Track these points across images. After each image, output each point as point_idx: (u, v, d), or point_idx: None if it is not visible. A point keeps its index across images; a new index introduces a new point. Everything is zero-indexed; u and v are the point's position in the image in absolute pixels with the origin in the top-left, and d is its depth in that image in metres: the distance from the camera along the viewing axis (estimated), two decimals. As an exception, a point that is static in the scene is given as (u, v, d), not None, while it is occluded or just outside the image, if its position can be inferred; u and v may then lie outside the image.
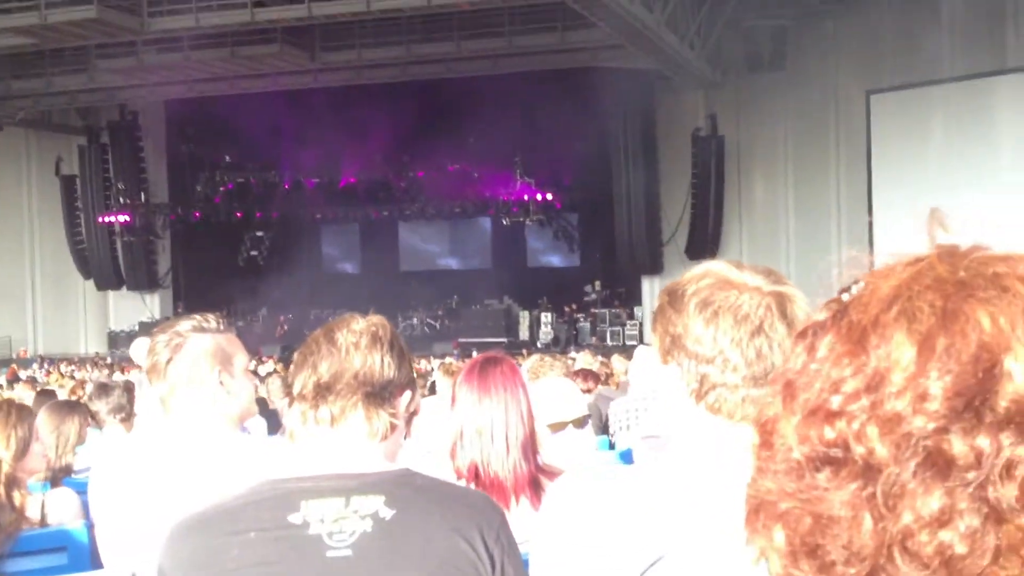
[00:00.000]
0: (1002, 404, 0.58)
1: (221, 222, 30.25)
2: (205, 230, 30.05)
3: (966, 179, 21.19)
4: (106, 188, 29.17)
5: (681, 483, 1.44)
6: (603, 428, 6.37)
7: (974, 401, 0.59)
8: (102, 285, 30.11)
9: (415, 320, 28.71)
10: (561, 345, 24.84)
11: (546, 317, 26.59)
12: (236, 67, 24.44)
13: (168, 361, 2.40)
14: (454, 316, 28.47)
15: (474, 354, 3.11)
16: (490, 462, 2.78)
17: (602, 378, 8.81)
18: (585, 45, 23.12)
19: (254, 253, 31.08)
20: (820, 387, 0.63)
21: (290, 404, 1.81)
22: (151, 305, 29.77)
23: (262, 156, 29.24)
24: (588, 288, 27.41)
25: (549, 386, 3.57)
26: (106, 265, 29.72)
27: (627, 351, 11.70)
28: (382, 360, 1.80)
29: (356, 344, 1.80)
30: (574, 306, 27.23)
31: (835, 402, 0.62)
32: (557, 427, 3.38)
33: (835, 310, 0.67)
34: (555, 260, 30.54)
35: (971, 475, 0.58)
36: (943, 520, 0.58)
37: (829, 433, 0.62)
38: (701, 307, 1.45)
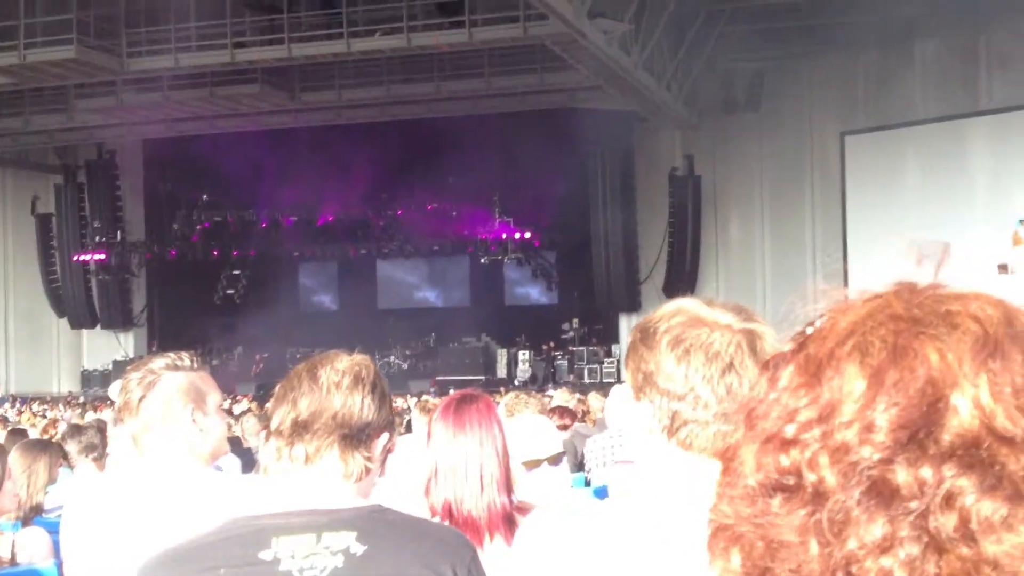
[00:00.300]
0: (945, 437, 0.60)
1: (198, 260, 30.15)
2: (181, 268, 29.92)
3: (940, 220, 21.43)
4: (82, 227, 29.04)
5: (653, 519, 1.45)
6: (579, 465, 6.37)
7: (919, 433, 0.61)
8: (76, 324, 29.87)
9: (393, 358, 28.62)
10: (539, 383, 24.82)
11: (524, 355, 26.59)
12: (215, 107, 24.48)
13: (141, 399, 2.40)
14: (432, 354, 28.42)
15: (451, 392, 3.11)
16: (463, 500, 2.78)
17: (579, 415, 8.82)
18: (564, 86, 23.36)
19: (231, 291, 30.94)
20: (777, 416, 0.65)
21: (266, 438, 1.80)
22: (125, 344, 29.54)
23: (240, 194, 29.21)
24: (566, 326, 27.45)
25: (524, 423, 3.58)
26: (80, 303, 29.50)
27: (604, 389, 11.72)
28: (362, 402, 1.80)
29: (338, 384, 1.79)
30: (552, 344, 27.25)
31: (789, 431, 0.64)
32: (532, 464, 3.38)
33: (797, 343, 0.70)
34: (533, 298, 30.60)
35: (913, 504, 0.59)
36: (885, 547, 0.60)
37: (784, 460, 0.64)
38: (672, 345, 1.47)
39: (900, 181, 23.29)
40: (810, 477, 0.62)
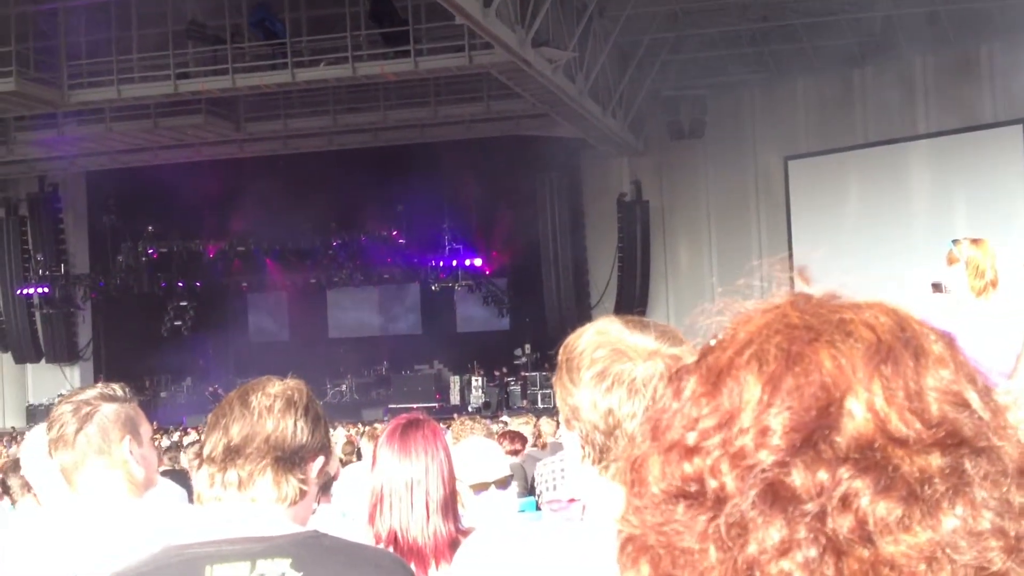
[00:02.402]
0: (840, 441, 0.61)
1: (144, 292, 29.70)
2: (127, 301, 29.44)
3: (882, 240, 21.85)
4: (24, 260, 28.50)
5: (585, 544, 1.46)
6: (530, 489, 6.36)
7: (813, 437, 0.62)
8: (20, 358, 29.26)
9: (344, 387, 28.40)
10: (492, 409, 24.76)
11: (477, 381, 26.51)
12: (159, 138, 24.24)
13: (78, 431, 2.36)
14: (384, 382, 28.24)
15: (419, 416, 3.08)
16: (409, 527, 2.76)
17: (530, 440, 8.81)
18: (511, 114, 23.50)
19: (178, 323, 30.53)
20: (680, 425, 0.66)
21: (199, 466, 1.78)
22: (71, 377, 28.95)
23: (186, 225, 28.91)
24: (518, 351, 27.42)
25: (471, 447, 3.58)
26: (24, 337, 28.91)
27: (557, 413, 11.72)
28: (295, 425, 1.78)
29: (270, 408, 1.78)
30: (505, 370, 27.20)
31: (691, 439, 0.65)
32: (479, 487, 3.37)
33: (700, 354, 0.71)
34: (485, 324, 30.56)
35: (809, 507, 0.60)
36: (783, 550, 0.60)
37: (687, 468, 0.64)
38: (596, 380, 1.47)
39: (843, 204, 23.71)
40: (711, 484, 0.63)
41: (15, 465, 5.74)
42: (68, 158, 25.98)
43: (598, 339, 1.50)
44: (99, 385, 2.46)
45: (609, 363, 1.47)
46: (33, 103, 20.65)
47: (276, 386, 1.83)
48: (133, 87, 20.75)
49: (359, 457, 7.84)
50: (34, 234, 28.55)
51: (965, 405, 0.64)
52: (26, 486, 5.34)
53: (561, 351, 1.54)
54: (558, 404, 1.55)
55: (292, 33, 20.06)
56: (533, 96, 19.95)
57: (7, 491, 5.18)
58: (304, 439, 1.79)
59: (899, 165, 23.13)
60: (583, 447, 1.49)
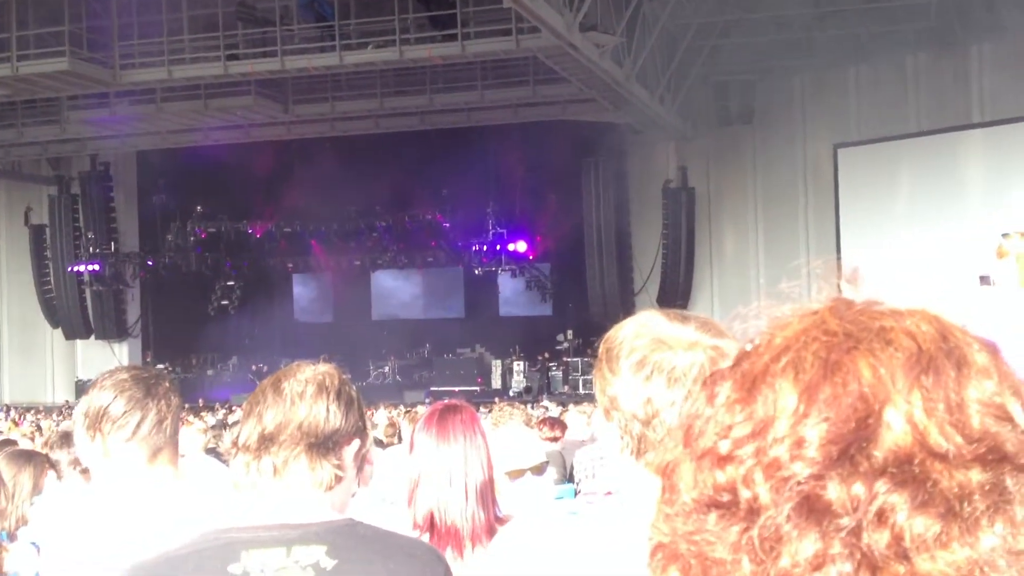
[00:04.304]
0: (878, 453, 0.60)
1: (192, 271, 30.11)
2: (175, 279, 29.88)
3: (932, 231, 21.51)
4: (76, 237, 29.01)
5: (626, 535, 1.46)
6: (569, 476, 6.36)
7: (850, 449, 0.60)
8: (70, 334, 29.81)
9: (387, 369, 28.60)
10: (534, 394, 24.80)
11: (518, 366, 26.55)
12: (209, 118, 24.49)
13: (126, 412, 2.38)
14: (426, 365, 28.40)
15: (456, 401, 3.10)
16: (447, 510, 2.77)
17: (584, 428, 8.80)
18: (557, 98, 23.41)
19: (225, 302, 30.93)
20: (713, 432, 0.65)
21: (235, 455, 1.80)
22: (120, 354, 29.45)
23: (234, 206, 29.24)
24: (560, 337, 27.42)
25: (507, 434, 3.58)
26: (75, 314, 29.45)
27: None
28: (328, 409, 1.79)
29: (301, 394, 1.79)
30: (546, 355, 27.22)
31: (724, 447, 0.64)
32: (515, 474, 3.38)
33: (735, 359, 0.70)
34: (527, 309, 30.58)
35: (845, 521, 0.59)
36: (817, 564, 0.59)
37: (720, 477, 0.63)
38: (635, 369, 1.46)
39: (893, 194, 23.34)
40: (745, 494, 0.62)
41: (62, 440, 5.83)
42: (119, 137, 26.35)
43: (638, 329, 1.50)
44: (138, 365, 2.49)
45: (649, 352, 1.46)
46: (85, 83, 20.95)
47: (307, 371, 1.84)
48: (184, 68, 20.98)
49: (400, 439, 7.88)
50: (85, 212, 29.03)
51: (1008, 419, 0.62)
52: (75, 462, 5.42)
53: (602, 343, 1.53)
54: (597, 395, 1.54)
55: (340, 16, 20.12)
56: (580, 81, 19.85)
57: (53, 466, 5.27)
58: (337, 423, 1.80)
59: (952, 155, 22.71)
60: (621, 437, 1.48)
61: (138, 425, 2.34)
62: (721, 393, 0.67)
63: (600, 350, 1.53)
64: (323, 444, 1.78)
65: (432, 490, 2.79)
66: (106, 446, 2.37)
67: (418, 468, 2.83)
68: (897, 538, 0.59)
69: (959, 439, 0.60)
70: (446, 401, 3.04)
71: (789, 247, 25.09)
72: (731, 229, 26.22)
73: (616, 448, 1.50)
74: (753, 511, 0.61)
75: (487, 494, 2.82)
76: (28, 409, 24.86)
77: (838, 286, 0.73)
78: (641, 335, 1.48)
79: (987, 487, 0.59)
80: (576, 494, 5.66)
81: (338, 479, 1.79)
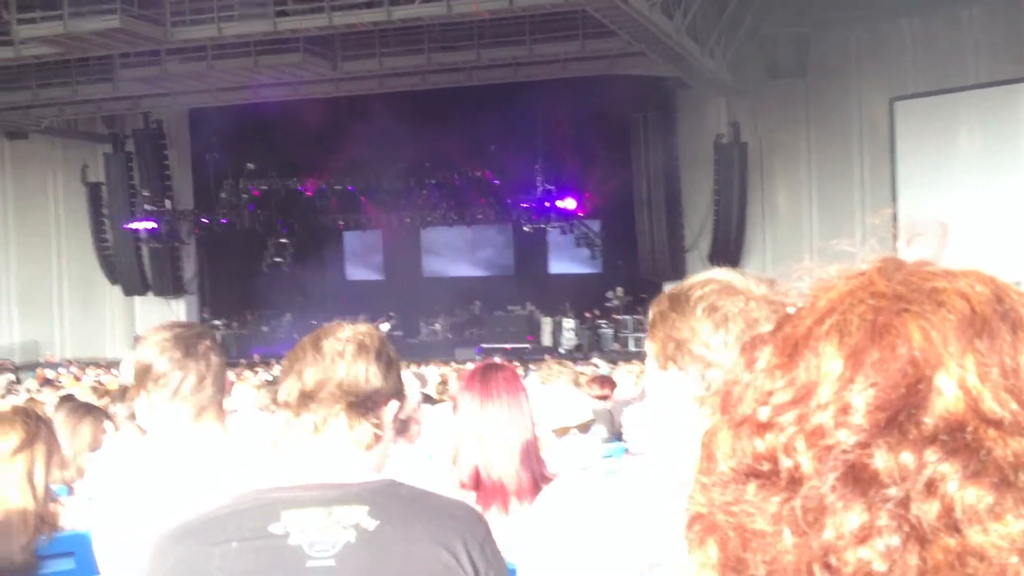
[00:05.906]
0: (928, 421, 0.57)
1: (245, 228, 30.50)
2: (229, 236, 30.29)
3: (992, 185, 21.03)
4: (131, 195, 29.48)
5: (679, 488, 1.43)
6: (619, 434, 6.36)
7: (899, 416, 0.57)
8: (128, 290, 30.42)
9: (438, 326, 28.79)
10: (584, 351, 24.82)
11: (568, 323, 26.56)
12: (259, 76, 24.60)
13: (174, 368, 2.40)
14: (476, 322, 28.54)
15: (497, 360, 3.11)
16: (492, 466, 2.79)
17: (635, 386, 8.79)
18: (606, 53, 23.13)
19: (278, 259, 31.32)
20: (752, 398, 0.63)
21: (275, 412, 1.81)
22: (177, 310, 30.00)
23: (285, 163, 29.46)
24: (610, 294, 27.37)
25: (553, 391, 3.58)
26: (132, 271, 30.02)
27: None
28: (367, 369, 1.79)
29: (341, 353, 1.79)
30: (596, 312, 27.19)
31: (764, 414, 0.61)
32: (561, 432, 3.38)
33: (776, 323, 0.67)
34: (577, 266, 30.53)
35: (892, 491, 0.56)
36: (863, 536, 0.56)
37: (759, 445, 0.61)
38: (709, 312, 1.43)
39: (952, 147, 22.85)
40: (786, 463, 0.59)
41: (121, 393, 5.93)
42: (171, 95, 26.61)
43: (707, 278, 1.48)
44: (183, 321, 2.50)
45: (722, 297, 1.43)
46: (136, 40, 21.13)
47: (347, 331, 1.84)
48: (233, 24, 21.06)
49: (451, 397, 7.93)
50: (140, 170, 29.48)
51: None
52: (132, 416, 5.52)
53: (661, 297, 1.50)
54: (654, 345, 1.50)
55: (388, -29, 20.03)
56: (629, 34, 19.59)
57: (111, 419, 5.37)
58: (377, 383, 1.80)
59: (1011, 107, 22.13)
60: (687, 385, 1.45)
61: (179, 384, 2.36)
62: (761, 358, 0.64)
63: (659, 305, 1.49)
64: (363, 403, 1.78)
65: (476, 448, 2.80)
66: (151, 403, 2.41)
67: (462, 426, 2.84)
68: (947, 509, 0.56)
69: (1014, 405, 0.57)
70: (486, 360, 3.05)
71: (844, 203, 24.69)
72: (784, 185, 25.86)
73: (676, 395, 1.46)
74: (795, 481, 0.59)
75: (531, 451, 2.83)
76: (88, 364, 25.44)
77: (894, 245, 0.70)
78: (711, 283, 1.46)
79: None
80: (625, 452, 5.66)
81: (377, 439, 1.80)
